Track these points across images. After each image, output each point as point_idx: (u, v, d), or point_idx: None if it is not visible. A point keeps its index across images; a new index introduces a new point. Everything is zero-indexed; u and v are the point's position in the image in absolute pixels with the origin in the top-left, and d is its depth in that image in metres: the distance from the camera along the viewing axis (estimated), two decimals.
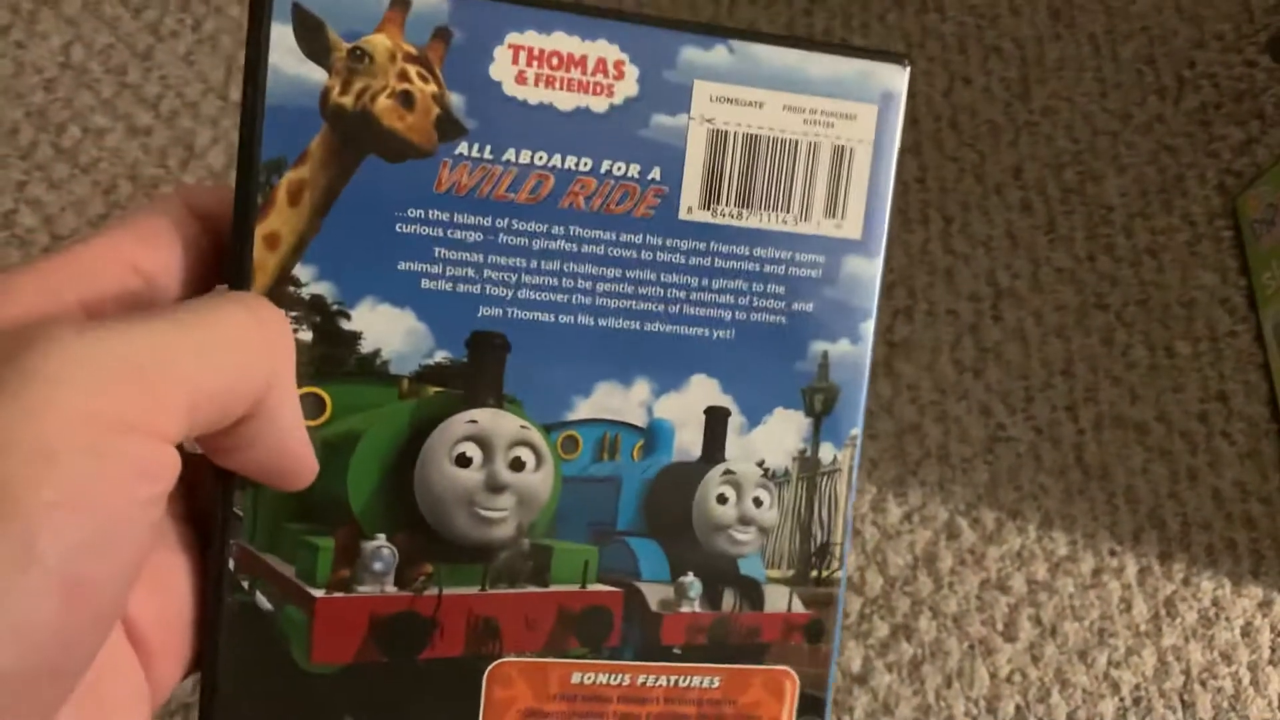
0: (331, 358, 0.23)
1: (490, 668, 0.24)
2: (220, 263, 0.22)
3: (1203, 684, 0.53)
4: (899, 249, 0.60)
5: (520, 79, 0.23)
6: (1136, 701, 0.52)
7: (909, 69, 0.24)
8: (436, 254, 0.23)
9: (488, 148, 0.23)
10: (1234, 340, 0.60)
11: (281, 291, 0.22)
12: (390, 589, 0.23)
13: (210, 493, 0.22)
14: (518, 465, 0.24)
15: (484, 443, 0.23)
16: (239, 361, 0.19)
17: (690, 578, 0.25)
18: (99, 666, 0.19)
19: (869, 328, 0.25)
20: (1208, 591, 0.55)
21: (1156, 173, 0.64)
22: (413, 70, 0.22)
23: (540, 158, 0.23)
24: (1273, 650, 0.54)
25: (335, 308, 0.22)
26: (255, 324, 0.19)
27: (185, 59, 0.61)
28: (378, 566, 0.23)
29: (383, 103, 0.22)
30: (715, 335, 0.24)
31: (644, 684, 0.24)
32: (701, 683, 0.25)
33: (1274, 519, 0.56)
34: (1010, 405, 0.58)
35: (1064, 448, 0.57)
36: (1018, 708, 0.52)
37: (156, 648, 0.21)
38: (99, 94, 0.59)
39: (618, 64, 0.23)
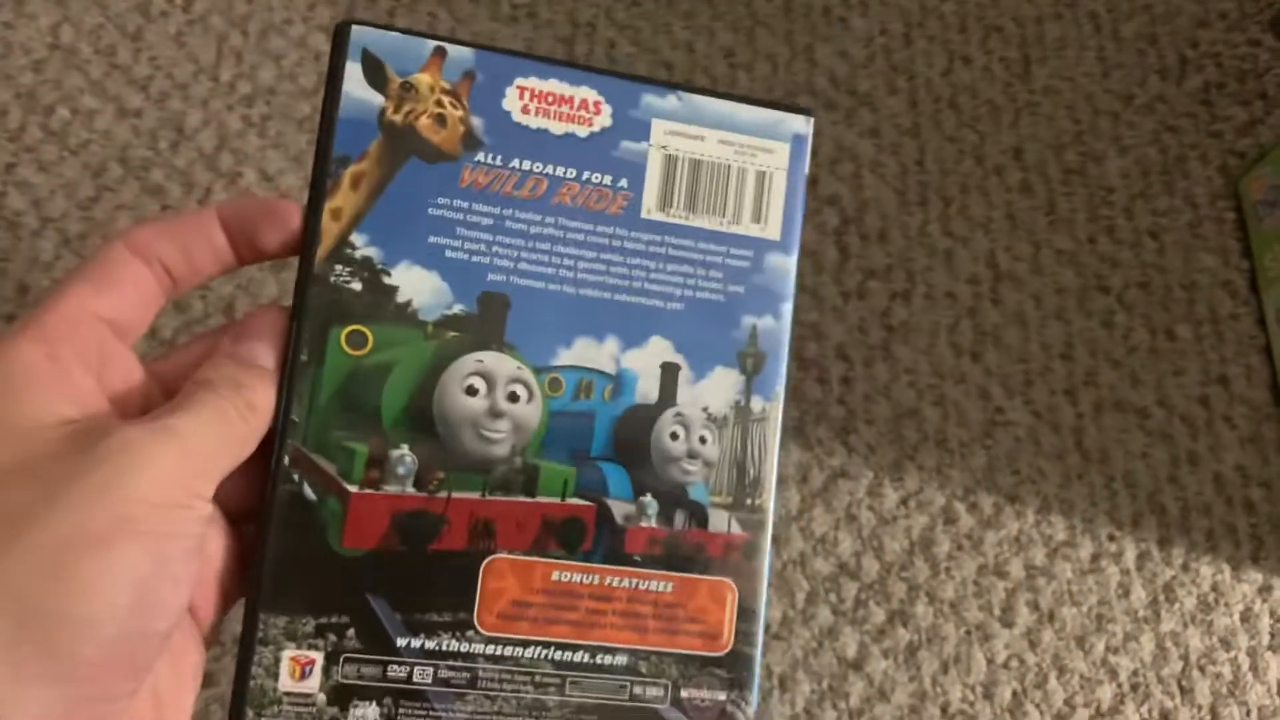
0: (375, 304, 0.29)
1: (486, 561, 0.29)
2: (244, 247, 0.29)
3: (1201, 670, 0.53)
4: (897, 231, 0.60)
5: (525, 110, 0.30)
6: (1134, 688, 0.52)
7: (813, 120, 0.32)
8: (458, 232, 0.30)
9: (499, 157, 0.30)
10: (1236, 323, 0.59)
11: (340, 252, 0.29)
12: (410, 490, 0.29)
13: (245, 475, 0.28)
14: (513, 397, 0.30)
15: (488, 377, 0.29)
16: (240, 453, 0.27)
17: (649, 498, 0.30)
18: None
19: (788, 308, 0.32)
20: (1207, 577, 0.54)
21: (1158, 153, 0.63)
22: (446, 100, 0.30)
23: (538, 166, 0.30)
24: (1272, 636, 0.54)
25: (380, 267, 0.29)
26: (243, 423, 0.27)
27: (176, 40, 0.60)
28: (400, 470, 0.29)
29: (423, 121, 0.30)
30: (669, 307, 0.31)
31: (610, 585, 0.30)
32: (657, 587, 0.30)
33: (1275, 504, 0.56)
34: (1009, 389, 0.57)
35: (1063, 432, 0.57)
36: (1015, 694, 0.51)
37: (198, 602, 0.28)
38: (88, 75, 0.59)
39: (596, 103, 0.31)
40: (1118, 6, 0.67)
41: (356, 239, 0.29)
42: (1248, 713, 0.52)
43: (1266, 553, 0.55)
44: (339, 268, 0.29)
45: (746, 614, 0.30)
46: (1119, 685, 0.52)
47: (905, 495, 0.54)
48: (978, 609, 0.53)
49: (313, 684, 0.28)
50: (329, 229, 0.29)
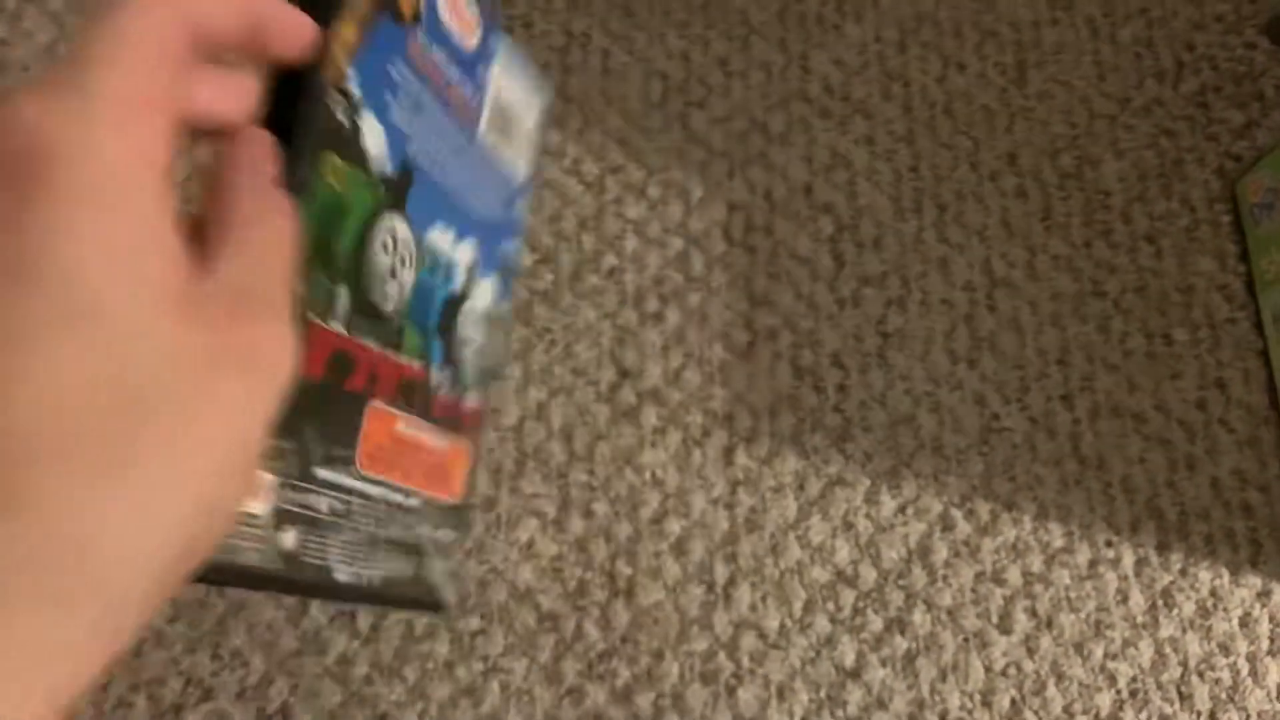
0: (352, 142, 0.30)
1: (369, 406, 0.31)
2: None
3: (1200, 675, 0.53)
4: (892, 239, 0.60)
5: (446, 7, 0.32)
6: (1133, 694, 0.52)
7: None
8: (399, 97, 0.31)
9: (430, 41, 0.32)
10: (1233, 327, 0.59)
11: (339, 82, 0.29)
12: (340, 329, 0.30)
13: None
14: (404, 261, 0.32)
15: (396, 239, 0.32)
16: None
17: (447, 374, 0.34)
18: None
19: (520, 240, 0.36)
20: (1205, 582, 0.54)
21: (1155, 157, 0.63)
22: None
23: (443, 60, 0.32)
24: (1271, 641, 0.53)
25: (358, 105, 0.30)
26: None
27: None
28: (338, 309, 0.30)
29: None
30: (476, 217, 0.35)
31: (424, 441, 0.34)
32: (442, 445, 0.35)
33: (1273, 507, 0.56)
34: (1005, 395, 0.57)
35: (1060, 438, 0.56)
36: (1013, 701, 0.51)
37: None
38: None
39: (476, 21, 0.33)
40: (1114, 10, 0.67)
41: (350, 74, 0.29)
42: (1247, 718, 0.52)
43: (1265, 557, 0.55)
44: (336, 95, 0.29)
45: (471, 474, 0.37)
46: (1118, 691, 0.52)
47: (902, 503, 0.54)
48: (975, 616, 0.53)
49: (263, 505, 0.28)
50: (335, 56, 0.28)
